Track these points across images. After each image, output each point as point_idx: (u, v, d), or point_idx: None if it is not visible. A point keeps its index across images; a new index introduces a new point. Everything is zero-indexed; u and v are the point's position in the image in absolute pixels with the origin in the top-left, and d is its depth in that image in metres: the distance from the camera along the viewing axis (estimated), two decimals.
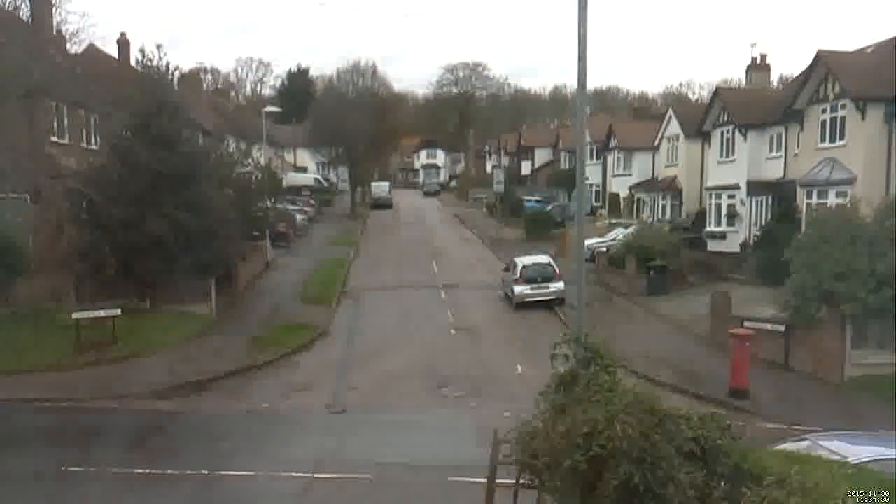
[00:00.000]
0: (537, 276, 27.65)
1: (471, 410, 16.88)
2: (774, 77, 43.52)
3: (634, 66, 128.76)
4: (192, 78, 48.61)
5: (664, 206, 41.95)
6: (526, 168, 76.88)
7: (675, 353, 21.29)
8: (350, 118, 55.95)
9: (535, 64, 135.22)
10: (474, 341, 23.41)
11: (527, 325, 25.53)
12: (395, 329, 25.02)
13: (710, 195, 34.07)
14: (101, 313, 20.13)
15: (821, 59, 26.07)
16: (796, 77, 33.18)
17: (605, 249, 33.26)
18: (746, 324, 19.53)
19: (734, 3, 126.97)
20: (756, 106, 31.66)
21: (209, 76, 76.73)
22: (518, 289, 27.60)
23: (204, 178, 24.33)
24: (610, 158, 51.27)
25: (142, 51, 24.97)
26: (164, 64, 25.02)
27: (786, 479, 5.79)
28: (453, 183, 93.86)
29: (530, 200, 55.56)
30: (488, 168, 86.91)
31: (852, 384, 18.12)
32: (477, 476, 9.76)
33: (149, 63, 24.59)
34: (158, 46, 24.89)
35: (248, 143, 40.44)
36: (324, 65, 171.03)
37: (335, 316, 26.46)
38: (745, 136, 31.58)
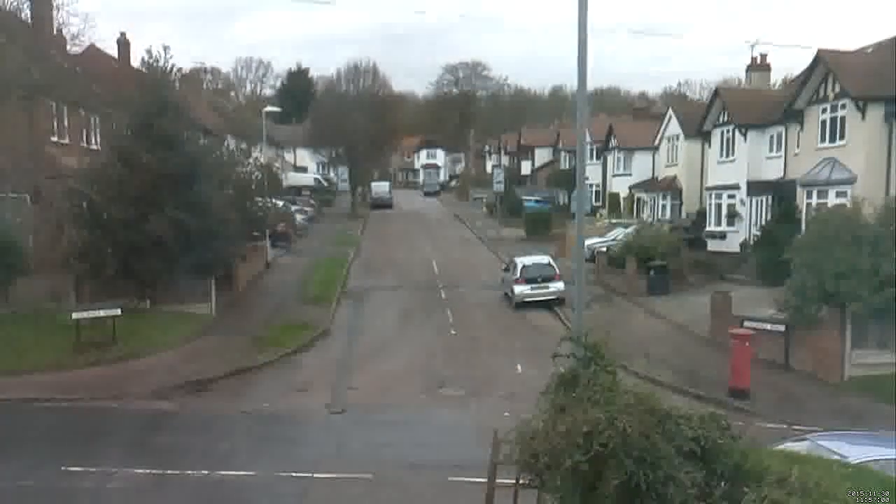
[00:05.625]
0: (537, 276, 27.66)
1: (471, 410, 16.88)
2: (774, 77, 43.36)
3: (634, 66, 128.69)
4: (192, 78, 48.59)
5: (664, 206, 41.91)
6: (526, 168, 76.84)
7: (675, 353, 21.29)
8: (350, 118, 55.98)
9: (535, 64, 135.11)
10: (474, 341, 23.41)
11: (527, 324, 25.53)
12: (394, 329, 25.02)
13: (710, 195, 34.06)
14: (101, 313, 20.11)
15: (821, 59, 26.06)
16: (796, 77, 33.17)
17: (605, 249, 33.25)
18: (746, 324, 19.53)
19: (734, 3, 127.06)
20: (756, 106, 31.64)
21: (209, 76, 76.66)
22: (518, 289, 27.60)
23: (204, 179, 24.32)
24: (610, 158, 51.24)
25: (148, 51, 25.00)
26: (169, 65, 25.06)
27: (786, 479, 5.79)
28: (453, 183, 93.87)
29: (530, 200, 55.58)
30: (488, 168, 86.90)
31: (852, 384, 18.12)
32: (477, 476, 9.76)
33: (154, 63, 24.56)
34: (165, 48, 24.93)
35: (248, 143, 40.45)
36: (324, 65, 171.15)
37: (335, 316, 26.45)
38: (745, 136, 31.56)
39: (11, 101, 22.00)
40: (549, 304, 27.21)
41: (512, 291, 28.05)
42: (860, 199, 20.39)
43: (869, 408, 16.45)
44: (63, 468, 12.91)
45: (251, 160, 35.02)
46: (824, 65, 25.92)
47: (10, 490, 12.18)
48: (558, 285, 27.36)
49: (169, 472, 12.95)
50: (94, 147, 29.07)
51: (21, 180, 22.22)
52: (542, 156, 73.01)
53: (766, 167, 30.89)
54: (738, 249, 31.05)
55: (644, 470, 5.74)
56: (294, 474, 12.92)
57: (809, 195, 26.45)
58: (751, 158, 31.30)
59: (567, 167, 60.87)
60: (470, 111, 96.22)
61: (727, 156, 32.84)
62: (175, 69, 26.61)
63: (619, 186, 49.34)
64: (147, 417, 16.14)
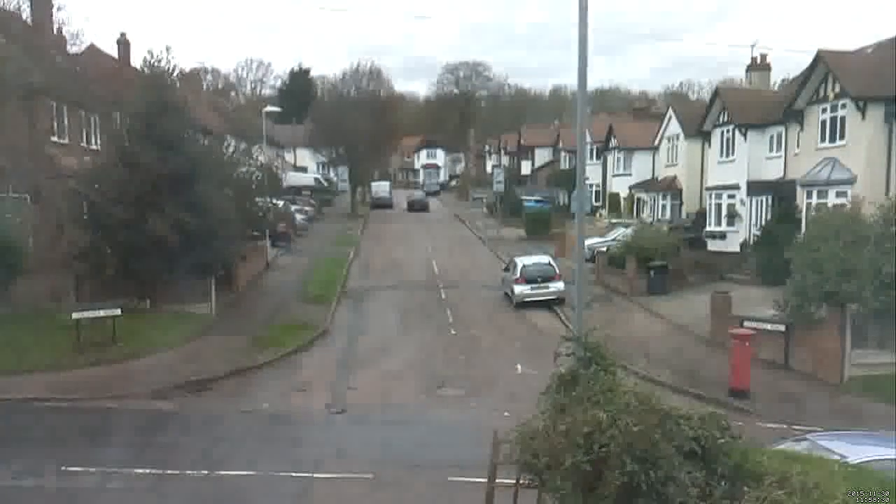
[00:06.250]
0: (537, 276, 27.66)
1: (471, 410, 16.87)
2: (774, 77, 43.34)
3: (635, 66, 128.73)
4: (193, 78, 48.57)
5: (664, 206, 41.93)
6: (526, 168, 76.89)
7: (675, 353, 21.28)
8: (350, 118, 56.00)
9: (535, 64, 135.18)
10: (474, 341, 23.40)
11: (527, 324, 25.53)
12: (395, 329, 25.03)
13: (710, 195, 34.06)
14: (101, 313, 20.10)
15: (821, 59, 26.06)
16: (796, 77, 33.17)
17: (605, 249, 33.25)
18: (746, 324, 19.52)
19: (734, 3, 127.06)
20: (756, 106, 31.64)
21: (209, 76, 76.71)
22: (518, 288, 27.60)
23: (204, 179, 24.32)
24: (610, 158, 51.26)
25: (150, 52, 24.97)
26: (171, 66, 25.04)
27: (786, 479, 5.80)
28: (453, 183, 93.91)
29: (530, 200, 55.61)
30: (488, 168, 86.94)
31: (852, 384, 18.11)
32: (477, 476, 9.76)
33: (155, 64, 24.53)
34: (167, 48, 24.89)
35: (248, 143, 40.46)
36: (324, 65, 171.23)
37: (335, 316, 26.44)
38: (745, 135, 31.56)
39: (11, 101, 21.99)
40: (549, 304, 27.21)
41: (512, 291, 28.05)
42: (860, 198, 20.39)
43: (869, 408, 16.43)
44: (63, 468, 12.91)
45: (251, 160, 35.01)
46: (824, 65, 25.92)
47: (10, 490, 12.17)
48: (558, 285, 27.36)
49: (169, 472, 12.94)
50: (94, 147, 29.05)
51: (21, 180, 22.21)
52: (542, 156, 73.03)
53: (766, 167, 30.88)
54: (738, 249, 31.05)
55: (644, 470, 5.75)
56: (294, 474, 12.91)
57: (809, 195, 26.45)
58: (751, 158, 31.30)
59: (567, 167, 60.91)
60: (470, 111, 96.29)
61: (727, 156, 32.84)
62: (176, 69, 26.55)
63: (619, 186, 49.36)
64: (147, 417, 16.13)
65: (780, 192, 29.04)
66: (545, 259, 29.32)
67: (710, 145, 35.16)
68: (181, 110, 25.10)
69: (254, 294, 29.09)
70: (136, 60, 27.58)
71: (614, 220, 43.22)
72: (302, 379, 19.35)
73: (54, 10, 27.81)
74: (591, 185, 51.31)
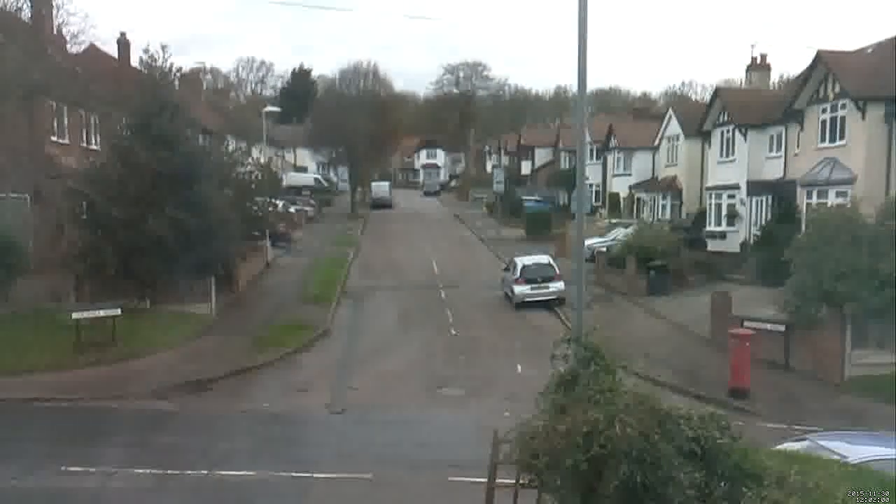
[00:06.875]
0: (537, 276, 27.66)
1: (471, 410, 16.88)
2: (774, 77, 43.44)
3: (635, 66, 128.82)
4: (193, 78, 48.53)
5: (664, 206, 41.92)
6: (526, 168, 76.85)
7: (675, 353, 21.29)
8: (350, 118, 56.00)
9: (535, 64, 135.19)
10: (474, 341, 23.40)
11: (527, 325, 25.53)
12: (395, 329, 25.03)
13: (710, 195, 34.06)
14: (101, 313, 20.09)
15: (821, 59, 26.06)
16: (796, 77, 33.16)
17: (605, 249, 33.26)
18: (746, 324, 19.53)
19: (734, 3, 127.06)
20: (756, 106, 31.64)
21: (209, 76, 76.59)
22: (518, 289, 27.60)
23: (204, 178, 24.31)
24: (610, 158, 51.25)
25: (146, 51, 25.01)
26: (168, 65, 25.07)
27: (786, 479, 5.81)
28: (453, 183, 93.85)
29: (530, 200, 55.62)
30: (488, 168, 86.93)
31: (852, 384, 18.12)
32: (477, 476, 9.76)
33: (152, 63, 24.56)
34: (163, 47, 24.94)
35: (248, 143, 40.44)
36: (324, 65, 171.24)
37: (335, 316, 26.44)
38: (745, 136, 31.56)
39: (11, 101, 22.00)
40: (549, 304, 27.20)
41: (512, 291, 28.04)
42: (858, 198, 20.40)
43: (869, 408, 16.44)
44: (63, 468, 12.91)
45: (251, 160, 35.03)
46: (824, 65, 25.91)
47: (11, 490, 12.17)
48: (558, 285, 27.35)
49: (169, 472, 12.94)
50: (94, 147, 29.06)
51: (21, 180, 22.22)
52: (542, 156, 73.00)
53: (766, 167, 30.89)
54: (738, 249, 31.05)
55: (644, 470, 5.75)
56: (294, 474, 12.90)
57: (809, 195, 26.44)
58: (751, 158, 31.30)
59: (567, 167, 60.90)
60: (470, 111, 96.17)
61: (727, 156, 32.84)
62: (174, 69, 26.59)
63: (619, 186, 49.34)
64: (147, 417, 16.14)
65: (780, 192, 29.04)
66: (545, 259, 29.31)
67: (710, 145, 35.16)
68: (180, 110, 25.12)
69: (254, 294, 29.09)
70: (136, 60, 27.61)
71: (614, 220, 43.20)
72: (302, 379, 19.35)
73: (54, 9, 27.79)
74: (591, 185, 51.32)
